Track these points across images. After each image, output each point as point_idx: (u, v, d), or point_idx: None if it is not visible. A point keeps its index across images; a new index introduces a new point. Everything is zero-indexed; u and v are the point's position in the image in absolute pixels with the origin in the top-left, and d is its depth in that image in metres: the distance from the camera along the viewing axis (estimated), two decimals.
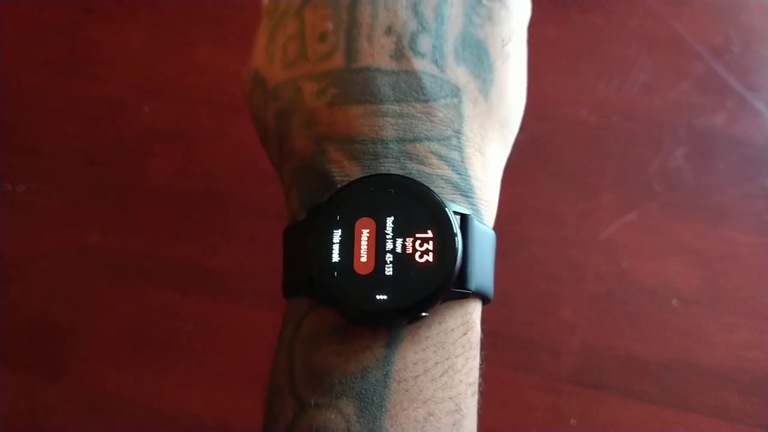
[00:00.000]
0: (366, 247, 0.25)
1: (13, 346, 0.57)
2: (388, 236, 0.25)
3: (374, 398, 0.24)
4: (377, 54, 0.26)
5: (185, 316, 0.57)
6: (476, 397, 0.26)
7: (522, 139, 0.60)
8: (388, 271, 0.24)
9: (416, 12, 0.27)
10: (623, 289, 0.55)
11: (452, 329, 0.25)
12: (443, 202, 0.25)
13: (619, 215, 0.57)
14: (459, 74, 0.27)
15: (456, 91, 0.27)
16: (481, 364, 0.26)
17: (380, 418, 0.24)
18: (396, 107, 0.26)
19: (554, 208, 0.58)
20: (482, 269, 0.26)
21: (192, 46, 0.66)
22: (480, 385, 0.26)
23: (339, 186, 0.26)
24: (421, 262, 0.24)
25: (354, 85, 0.26)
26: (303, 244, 0.25)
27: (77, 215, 0.61)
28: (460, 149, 0.26)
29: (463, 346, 0.26)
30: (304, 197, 0.27)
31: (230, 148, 0.62)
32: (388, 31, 0.27)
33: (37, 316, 0.58)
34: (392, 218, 0.25)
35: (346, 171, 0.26)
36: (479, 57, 0.27)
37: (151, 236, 0.59)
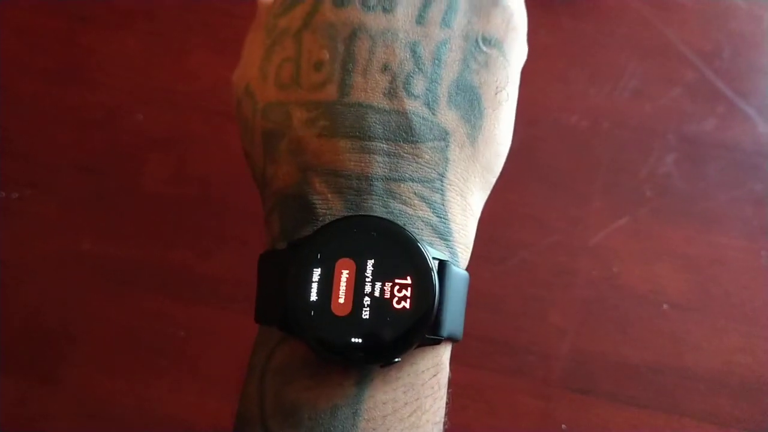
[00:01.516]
0: (345, 288, 0.25)
1: (7, 352, 0.57)
2: (367, 279, 0.25)
3: None
4: (371, 90, 0.26)
5: (178, 322, 0.57)
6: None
7: (512, 145, 0.61)
8: (365, 314, 0.25)
9: (414, 52, 0.27)
10: (613, 294, 0.55)
11: (423, 371, 0.26)
12: (424, 250, 0.25)
13: (610, 221, 0.58)
14: (449, 118, 0.27)
15: (444, 135, 0.27)
16: (447, 402, 0.27)
17: None
18: (384, 145, 0.26)
19: (545, 214, 0.58)
20: (454, 314, 0.26)
21: (186, 53, 0.66)
22: (445, 423, 0.27)
23: (321, 219, 0.26)
24: (398, 308, 0.25)
25: (344, 119, 0.26)
26: (281, 276, 0.26)
27: (71, 222, 0.61)
28: (442, 192, 0.27)
29: (432, 387, 0.26)
30: (285, 225, 0.27)
31: (223, 155, 0.62)
32: (384, 68, 0.27)
33: (31, 322, 0.58)
34: (372, 261, 0.25)
35: (330, 204, 0.26)
36: (471, 103, 0.27)
37: (144, 242, 0.60)
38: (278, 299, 0.26)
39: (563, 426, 0.53)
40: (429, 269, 0.25)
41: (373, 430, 0.25)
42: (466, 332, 0.54)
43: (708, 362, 0.53)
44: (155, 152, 0.63)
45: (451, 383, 0.27)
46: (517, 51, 0.29)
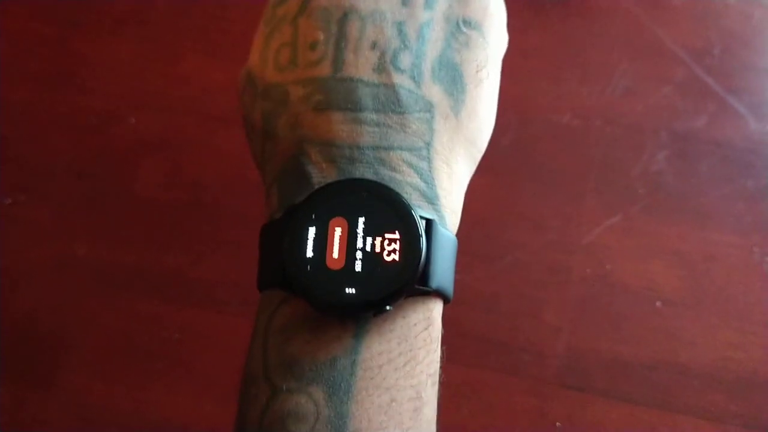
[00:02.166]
0: (338, 244, 0.27)
1: (2, 358, 0.57)
2: (359, 235, 0.27)
3: (342, 384, 0.26)
4: (361, 66, 0.28)
5: (172, 326, 0.57)
6: (436, 387, 0.28)
7: (505, 145, 0.61)
8: (358, 267, 0.26)
9: (400, 31, 0.29)
10: (607, 291, 0.56)
11: (414, 324, 0.28)
12: (411, 207, 0.27)
13: (603, 219, 0.58)
14: (434, 92, 0.29)
15: (429, 107, 0.29)
16: (442, 358, 0.29)
17: (347, 403, 0.26)
18: (374, 116, 0.28)
19: (538, 213, 0.58)
20: (443, 271, 0.28)
21: (178, 58, 0.66)
22: (441, 376, 0.28)
23: (316, 187, 0.28)
24: (388, 261, 0.27)
25: (337, 93, 0.28)
26: (279, 239, 0.27)
27: (65, 227, 0.61)
28: (428, 160, 0.28)
29: (425, 340, 0.28)
30: (283, 196, 0.29)
31: (217, 159, 0.62)
32: (373, 46, 0.29)
33: (26, 328, 0.58)
34: (363, 219, 0.27)
35: (324, 173, 0.28)
36: (453, 78, 0.29)
37: (138, 247, 0.60)
38: (277, 261, 0.27)
39: (558, 424, 0.53)
40: (415, 224, 0.27)
41: (371, 378, 0.26)
42: (460, 332, 0.55)
43: (702, 358, 0.54)
44: (148, 157, 0.63)
45: (444, 346, 0.29)
46: (495, 35, 0.31)
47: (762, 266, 0.56)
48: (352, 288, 0.26)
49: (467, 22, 0.30)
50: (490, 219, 0.58)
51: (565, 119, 0.61)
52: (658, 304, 0.55)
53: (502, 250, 0.57)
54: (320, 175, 0.28)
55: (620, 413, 0.52)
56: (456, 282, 0.58)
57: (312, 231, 0.27)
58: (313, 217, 0.27)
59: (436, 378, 0.28)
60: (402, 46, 0.29)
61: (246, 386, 0.28)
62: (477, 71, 0.30)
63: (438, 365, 0.28)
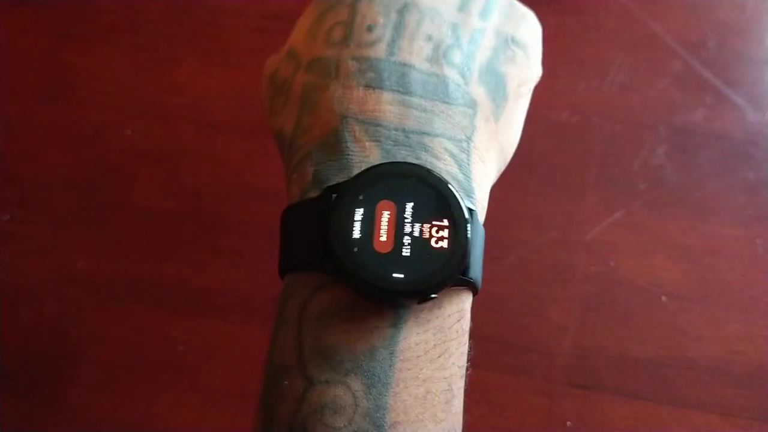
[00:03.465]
0: (386, 227, 0.26)
1: (6, 375, 0.56)
2: (407, 220, 0.27)
3: (380, 376, 0.26)
4: (416, 54, 0.29)
5: (176, 337, 0.56)
6: (464, 380, 0.28)
7: None
8: (406, 252, 0.26)
9: (455, 31, 0.30)
10: (612, 288, 0.55)
11: (449, 315, 0.27)
12: (460, 198, 0.27)
13: (605, 215, 0.58)
14: (479, 92, 0.30)
15: (473, 104, 0.30)
16: (469, 351, 0.28)
17: (385, 395, 0.26)
18: (422, 102, 0.29)
19: (540, 211, 0.58)
20: (478, 262, 0.28)
21: (173, 66, 0.66)
22: (468, 368, 0.28)
23: (357, 166, 0.28)
24: (436, 248, 0.26)
25: (390, 74, 0.29)
26: (321, 219, 0.27)
27: (64, 241, 0.60)
28: (468, 153, 0.29)
29: (457, 332, 0.27)
30: (319, 171, 0.28)
31: (215, 167, 0.62)
32: (429, 38, 0.30)
33: (28, 344, 0.58)
34: (412, 204, 0.27)
35: (366, 152, 0.28)
36: (497, 85, 0.30)
37: (139, 258, 0.59)
38: (316, 242, 0.27)
39: (568, 423, 0.52)
40: (463, 213, 0.26)
41: (408, 369, 0.26)
42: None
43: (710, 352, 0.53)
44: (146, 167, 0.62)
45: (471, 339, 0.29)
46: (537, 60, 0.33)
47: (766, 257, 0.56)
48: (400, 273, 0.26)
49: (516, 41, 0.31)
50: (491, 219, 0.57)
51: (563, 116, 0.61)
52: (663, 299, 0.55)
53: (505, 250, 0.57)
54: (362, 153, 0.28)
55: (630, 410, 0.52)
56: None
57: (359, 212, 0.26)
58: (361, 198, 0.26)
59: (464, 371, 0.28)
60: (455, 44, 0.30)
61: (274, 378, 0.27)
62: (518, 86, 0.31)
63: (466, 358, 0.28)
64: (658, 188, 0.58)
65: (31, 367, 0.57)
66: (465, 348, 0.28)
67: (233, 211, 0.60)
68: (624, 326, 0.54)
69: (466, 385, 0.28)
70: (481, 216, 0.29)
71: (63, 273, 0.59)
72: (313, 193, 0.28)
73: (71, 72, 0.66)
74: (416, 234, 0.26)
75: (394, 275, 0.26)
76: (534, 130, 0.61)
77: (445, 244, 0.26)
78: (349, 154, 0.28)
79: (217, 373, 0.56)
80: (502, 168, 0.32)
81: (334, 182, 0.28)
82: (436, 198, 0.27)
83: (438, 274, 0.26)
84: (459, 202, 0.27)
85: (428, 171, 0.27)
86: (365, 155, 0.28)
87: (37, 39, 0.68)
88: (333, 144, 0.28)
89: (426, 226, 0.26)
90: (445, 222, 0.26)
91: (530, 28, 0.33)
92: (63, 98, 0.65)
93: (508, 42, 0.31)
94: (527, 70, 0.32)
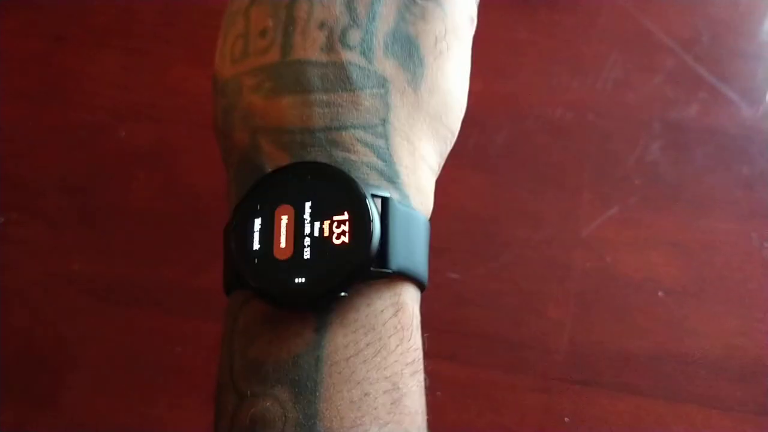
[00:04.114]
0: (285, 232, 0.25)
1: (2, 378, 0.56)
2: (306, 221, 0.25)
3: (308, 383, 0.25)
4: (309, 47, 0.28)
5: (174, 338, 0.56)
6: (418, 376, 0.26)
7: (499, 142, 0.61)
8: (306, 254, 0.25)
9: (350, 8, 0.28)
10: (608, 284, 0.56)
11: (381, 311, 0.26)
12: (358, 185, 0.25)
13: (600, 211, 0.58)
14: (387, 66, 0.28)
15: (383, 82, 0.28)
16: (423, 345, 0.27)
17: (315, 402, 0.24)
18: (323, 96, 0.27)
19: (535, 208, 0.58)
20: (408, 251, 0.26)
21: (166, 68, 0.66)
22: (424, 364, 0.27)
23: None
24: (338, 244, 0.25)
25: (286, 78, 0.27)
26: (229, 238, 0.26)
27: (59, 243, 0.60)
28: (385, 137, 0.27)
29: (395, 327, 0.26)
30: (239, 192, 0.28)
31: (210, 167, 0.62)
32: (321, 25, 0.28)
33: (25, 347, 0.57)
34: (309, 203, 0.26)
35: (277, 162, 0.27)
36: (409, 51, 0.28)
37: (135, 259, 0.59)
38: (232, 262, 0.26)
39: (566, 419, 0.53)
40: (364, 202, 0.25)
41: (338, 373, 0.25)
42: (463, 331, 0.55)
43: (707, 347, 0.54)
44: (141, 168, 0.62)
45: (425, 334, 0.27)
46: (456, 5, 0.30)
47: (761, 252, 0.56)
48: (301, 277, 0.25)
49: None
50: (487, 217, 0.58)
51: (558, 114, 0.61)
52: (660, 294, 0.55)
53: (501, 248, 0.57)
54: (273, 164, 0.27)
55: (627, 405, 0.52)
56: (457, 281, 0.58)
57: (258, 223, 0.26)
58: (258, 207, 0.26)
59: (418, 367, 0.27)
60: (351, 23, 0.28)
61: (216, 397, 0.27)
62: (436, 43, 0.28)
63: (418, 354, 0.27)
64: (653, 184, 0.58)
65: (27, 370, 0.57)
66: (411, 344, 0.26)
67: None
68: (621, 322, 0.54)
69: (427, 381, 0.27)
70: (418, 200, 0.28)
71: (59, 275, 0.59)
72: None
73: (65, 74, 0.66)
74: (316, 234, 0.25)
75: (297, 280, 0.25)
76: (528, 129, 0.61)
77: (346, 238, 0.25)
78: (262, 168, 0.27)
79: (214, 375, 0.55)
80: (448, 137, 0.30)
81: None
82: (334, 192, 0.25)
83: (340, 272, 0.25)
84: (358, 192, 0.25)
85: (325, 166, 0.26)
86: (276, 165, 0.27)
87: (31, 42, 0.68)
88: (248, 162, 0.27)
89: (326, 223, 0.25)
90: (345, 215, 0.25)
91: None
92: (57, 101, 0.65)
93: None
94: (443, 21, 0.29)
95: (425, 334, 0.27)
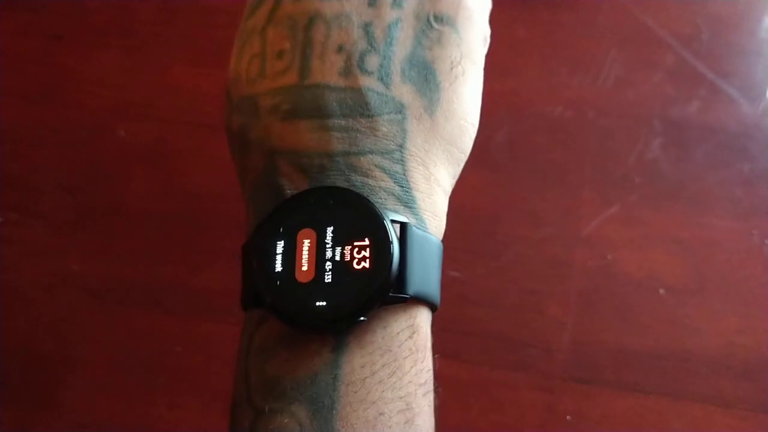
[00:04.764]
0: (307, 256, 0.26)
1: (2, 378, 0.56)
2: (327, 245, 0.26)
3: (325, 401, 0.25)
4: (327, 71, 0.28)
5: (173, 338, 0.56)
6: (430, 396, 0.27)
7: (500, 140, 0.61)
8: (328, 278, 0.26)
9: (367, 33, 0.28)
10: (610, 282, 0.55)
11: (397, 333, 0.27)
12: (379, 211, 0.26)
13: (601, 210, 0.58)
14: (404, 92, 0.28)
15: (400, 108, 0.28)
16: (434, 366, 0.28)
17: (331, 420, 0.25)
18: (342, 122, 0.27)
19: (536, 207, 0.58)
20: (423, 275, 0.27)
21: (165, 67, 0.65)
22: (436, 386, 0.27)
23: None
24: (358, 269, 0.26)
25: (304, 101, 0.28)
26: (249, 257, 0.27)
27: (58, 244, 0.60)
28: (402, 162, 0.28)
29: (410, 349, 0.27)
30: (258, 212, 0.28)
31: (210, 167, 0.62)
32: (339, 49, 0.28)
33: (25, 347, 0.57)
34: (332, 228, 0.26)
35: (296, 184, 0.27)
36: (426, 77, 0.28)
37: (134, 259, 0.59)
38: (251, 280, 0.27)
39: (568, 417, 0.52)
40: (385, 228, 0.26)
41: (354, 393, 0.25)
42: (465, 330, 0.54)
43: (708, 344, 0.54)
44: (140, 168, 0.62)
45: (435, 354, 0.28)
46: (472, 29, 0.30)
47: (762, 249, 0.56)
48: (322, 300, 0.25)
49: (438, 18, 0.29)
50: (489, 216, 0.58)
51: (558, 112, 0.61)
52: (661, 292, 0.55)
53: (502, 247, 0.57)
54: (291, 186, 0.27)
55: (629, 403, 0.52)
56: (458, 280, 0.58)
57: (280, 245, 0.26)
58: (281, 230, 0.26)
59: (429, 387, 0.27)
60: (369, 47, 0.28)
61: (232, 412, 0.27)
62: (452, 68, 0.29)
63: (430, 374, 0.27)
64: (653, 182, 0.58)
65: (27, 370, 0.57)
66: (424, 365, 0.27)
67: (229, 211, 0.60)
68: (622, 320, 0.54)
69: (437, 401, 0.28)
70: (433, 224, 0.28)
71: (58, 276, 0.59)
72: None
73: (64, 74, 0.66)
74: (337, 258, 0.26)
75: (317, 304, 0.25)
76: (529, 127, 0.61)
77: (367, 263, 0.26)
78: (281, 189, 0.27)
79: (215, 374, 0.55)
80: (461, 160, 0.30)
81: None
82: (355, 217, 0.26)
83: (360, 297, 0.25)
84: (379, 217, 0.26)
85: (346, 191, 0.26)
86: (296, 187, 0.27)
87: (30, 41, 0.67)
88: (266, 183, 0.28)
89: (347, 248, 0.26)
90: (366, 241, 0.26)
91: None
92: (56, 100, 0.65)
93: (430, 22, 0.29)
94: (459, 46, 0.29)
95: (436, 355, 0.28)
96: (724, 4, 0.65)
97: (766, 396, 0.52)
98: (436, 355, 0.28)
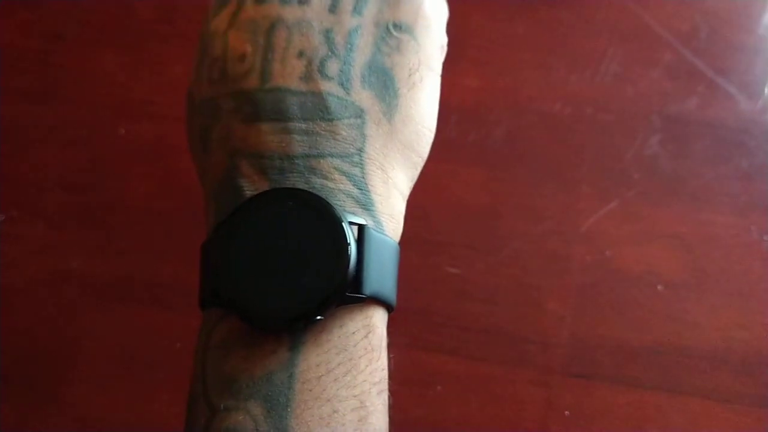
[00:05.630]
0: (266, 256, 0.27)
1: (2, 375, 0.56)
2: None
3: (280, 399, 0.26)
4: (288, 75, 0.29)
5: (173, 334, 0.56)
6: (384, 395, 0.28)
7: (498, 136, 0.61)
8: (286, 277, 0.26)
9: (328, 38, 0.29)
10: (608, 277, 0.56)
11: (353, 332, 0.27)
12: (336, 212, 0.27)
13: (600, 205, 0.58)
14: (364, 97, 0.29)
15: (360, 113, 0.29)
16: (389, 365, 0.28)
17: (286, 418, 0.26)
18: (303, 125, 0.28)
19: (534, 203, 0.58)
20: (380, 276, 0.28)
21: (164, 65, 0.66)
22: (390, 385, 0.28)
23: None
24: (315, 269, 0.26)
25: (266, 104, 0.28)
26: (209, 256, 0.28)
27: (59, 241, 0.60)
28: (361, 166, 0.28)
29: (365, 348, 0.27)
30: (218, 211, 0.29)
31: None
32: (300, 54, 0.29)
33: (25, 344, 0.57)
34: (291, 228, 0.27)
35: (256, 185, 0.28)
36: (385, 83, 0.29)
37: (134, 257, 0.59)
38: (210, 279, 0.28)
39: (567, 412, 0.53)
40: (342, 230, 0.26)
41: (309, 390, 0.26)
42: (463, 325, 0.55)
43: (707, 340, 0.54)
44: (140, 166, 0.62)
45: (391, 354, 0.29)
46: (429, 37, 0.31)
47: (761, 245, 0.56)
48: (280, 299, 0.26)
49: (397, 26, 0.30)
50: (486, 211, 0.58)
51: (556, 108, 0.61)
52: (659, 287, 0.55)
53: (500, 242, 0.57)
54: (252, 187, 0.28)
55: (628, 398, 0.52)
56: (456, 276, 0.58)
57: (240, 244, 0.27)
58: (241, 230, 0.27)
59: (384, 386, 0.28)
60: (329, 53, 0.29)
61: (188, 409, 0.28)
62: (410, 75, 0.30)
63: (384, 373, 0.28)
64: (652, 178, 0.58)
65: (27, 367, 0.57)
66: (379, 364, 0.28)
67: None
68: (621, 315, 0.55)
69: (390, 400, 0.28)
70: (390, 226, 0.29)
71: (58, 273, 0.59)
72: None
73: (64, 73, 0.66)
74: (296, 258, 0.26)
75: (276, 302, 0.26)
76: (527, 123, 0.61)
77: (323, 264, 0.26)
78: (241, 190, 0.28)
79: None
80: (419, 164, 0.31)
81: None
82: (313, 219, 0.26)
83: (317, 296, 0.26)
84: (336, 219, 0.26)
85: (305, 193, 0.27)
86: (255, 188, 0.28)
87: (29, 40, 0.68)
88: (227, 183, 0.28)
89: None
90: (323, 242, 0.26)
91: (413, 5, 0.31)
92: (56, 99, 0.65)
93: (389, 30, 0.30)
94: (417, 54, 0.30)
95: (391, 355, 0.28)
96: (723, 1, 0.65)
97: (765, 390, 0.52)
98: (391, 355, 0.29)
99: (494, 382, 0.53)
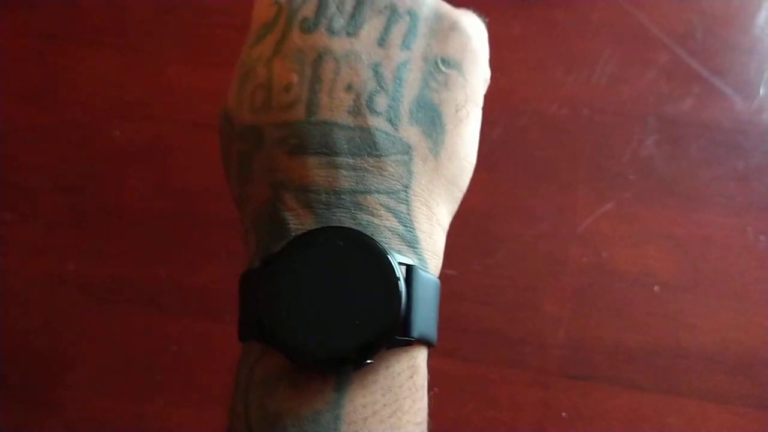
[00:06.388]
0: (316, 296, 0.26)
1: (1, 379, 0.56)
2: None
3: None
4: (336, 109, 0.28)
5: (169, 337, 0.56)
6: None
7: (494, 137, 0.61)
8: (337, 319, 0.26)
9: (376, 72, 0.29)
10: (604, 279, 0.56)
11: (398, 373, 0.27)
12: (389, 254, 0.26)
13: (596, 207, 0.58)
14: (411, 134, 0.28)
15: (407, 149, 0.28)
16: (429, 404, 0.28)
17: None
18: (350, 160, 0.28)
19: (531, 204, 0.58)
20: (426, 317, 0.27)
21: (159, 66, 0.65)
22: (429, 423, 0.28)
23: (293, 234, 0.27)
24: (367, 311, 0.26)
25: (312, 137, 0.28)
26: (256, 291, 0.27)
27: (54, 243, 0.60)
28: (407, 203, 0.28)
29: (410, 389, 0.27)
30: (260, 244, 0.28)
31: (205, 166, 0.62)
32: (348, 88, 0.28)
33: (22, 348, 0.57)
34: (341, 269, 0.26)
35: (301, 219, 0.27)
36: (432, 119, 0.29)
37: (130, 259, 0.59)
38: (254, 313, 0.27)
39: (563, 414, 0.53)
40: (393, 272, 0.26)
41: (355, 431, 0.26)
42: (460, 327, 0.55)
43: (703, 340, 0.54)
44: (135, 167, 0.62)
45: (430, 392, 0.28)
46: (476, 72, 0.31)
47: (757, 245, 0.56)
48: (330, 341, 0.26)
49: (446, 62, 0.29)
50: (483, 213, 0.58)
51: (553, 109, 0.61)
52: (656, 288, 0.55)
53: (497, 244, 0.57)
54: (297, 221, 0.27)
55: (625, 399, 0.52)
56: (453, 277, 0.58)
57: (289, 283, 0.26)
58: (290, 268, 0.26)
59: (425, 426, 0.28)
60: (378, 88, 0.28)
61: None
62: (456, 111, 0.29)
63: (425, 412, 0.28)
64: (648, 179, 0.59)
65: (23, 370, 0.57)
66: (422, 404, 0.28)
67: (224, 210, 0.60)
68: (617, 316, 0.55)
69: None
70: (433, 263, 0.29)
71: (54, 275, 0.59)
72: (257, 263, 0.28)
73: (59, 74, 0.66)
74: (346, 299, 0.26)
75: (326, 344, 0.25)
76: (524, 125, 0.61)
77: (374, 307, 0.26)
78: (285, 223, 0.27)
79: (210, 372, 0.55)
80: (459, 198, 0.31)
81: (273, 252, 0.27)
82: (365, 260, 0.26)
83: (368, 339, 0.26)
84: (388, 261, 0.26)
85: (356, 232, 0.26)
86: (300, 222, 0.27)
87: (25, 41, 0.67)
88: (269, 214, 0.28)
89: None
90: (376, 285, 0.26)
91: (461, 40, 0.30)
92: (51, 100, 0.65)
93: (438, 65, 0.29)
94: (464, 89, 0.30)
95: (431, 393, 0.28)
96: (718, 1, 0.65)
97: (761, 391, 0.52)
98: (431, 393, 0.28)
99: (491, 384, 0.53)
